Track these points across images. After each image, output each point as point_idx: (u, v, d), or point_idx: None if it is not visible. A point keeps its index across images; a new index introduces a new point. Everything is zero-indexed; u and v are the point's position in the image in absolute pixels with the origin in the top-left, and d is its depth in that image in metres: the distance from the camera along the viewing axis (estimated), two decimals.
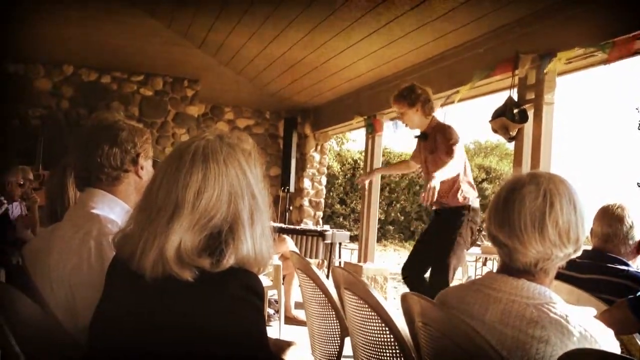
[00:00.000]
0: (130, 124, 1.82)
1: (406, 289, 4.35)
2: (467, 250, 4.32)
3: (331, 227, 7.76)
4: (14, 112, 6.98)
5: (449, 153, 3.84)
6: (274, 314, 5.16)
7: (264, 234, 1.23)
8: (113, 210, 1.72)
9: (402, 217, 15.53)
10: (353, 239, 10.00)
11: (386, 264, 8.45)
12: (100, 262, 1.55)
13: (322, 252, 6.65)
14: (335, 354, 2.41)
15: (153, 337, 1.14)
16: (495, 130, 4.20)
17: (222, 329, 1.12)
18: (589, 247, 2.48)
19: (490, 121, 4.17)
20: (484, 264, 9.02)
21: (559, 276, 1.57)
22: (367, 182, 4.53)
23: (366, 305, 2.00)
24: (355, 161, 15.33)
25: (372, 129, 6.69)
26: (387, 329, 1.87)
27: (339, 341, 2.39)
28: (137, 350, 1.15)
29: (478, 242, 7.95)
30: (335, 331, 2.42)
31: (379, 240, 13.65)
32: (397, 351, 1.84)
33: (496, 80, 4.48)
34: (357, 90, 6.95)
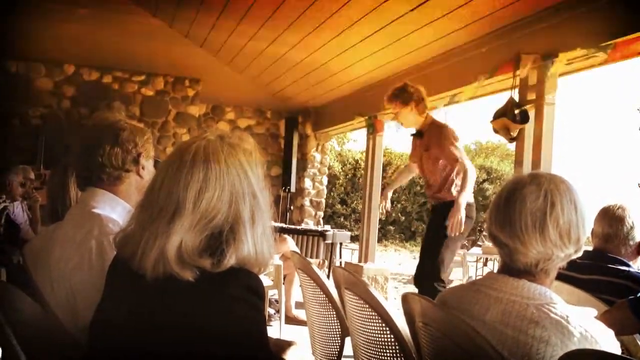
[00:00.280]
0: (131, 123, 1.83)
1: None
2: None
3: (332, 227, 7.77)
4: (14, 111, 6.98)
5: (458, 165, 3.90)
6: (274, 313, 5.16)
7: (264, 234, 1.24)
8: (114, 210, 1.72)
9: (403, 217, 15.53)
10: (354, 239, 10.00)
11: (387, 264, 8.45)
12: (101, 262, 1.55)
13: (323, 252, 6.65)
14: (335, 354, 2.41)
15: (153, 337, 1.14)
16: (496, 131, 4.20)
17: (223, 329, 1.12)
18: (590, 248, 2.48)
19: (491, 122, 4.17)
20: (485, 264, 9.02)
21: (560, 276, 1.57)
22: (388, 204, 4.53)
23: (367, 305, 2.00)
24: (356, 161, 15.34)
25: (373, 129, 6.69)
26: (387, 329, 1.87)
27: (339, 341, 2.39)
28: (137, 350, 1.16)
29: (479, 243, 7.95)
30: (335, 331, 2.42)
31: (379, 240, 13.65)
32: (398, 351, 1.84)
33: (497, 81, 4.47)
34: (358, 91, 6.95)
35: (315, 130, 8.75)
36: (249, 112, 9.08)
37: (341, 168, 15.32)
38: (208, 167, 1.18)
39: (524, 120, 4.01)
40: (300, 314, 5.04)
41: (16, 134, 6.92)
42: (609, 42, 3.41)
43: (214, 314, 1.12)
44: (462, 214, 3.70)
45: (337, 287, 2.36)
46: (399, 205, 15.40)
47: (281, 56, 6.07)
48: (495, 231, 1.42)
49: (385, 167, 14.24)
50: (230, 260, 1.15)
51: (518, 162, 4.19)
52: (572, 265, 1.51)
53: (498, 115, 4.11)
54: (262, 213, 1.23)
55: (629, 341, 1.99)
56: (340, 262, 7.50)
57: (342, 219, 14.84)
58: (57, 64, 7.18)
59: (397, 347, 1.84)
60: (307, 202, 8.96)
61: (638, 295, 1.95)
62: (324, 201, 9.23)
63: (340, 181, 15.14)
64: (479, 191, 15.68)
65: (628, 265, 2.40)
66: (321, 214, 9.08)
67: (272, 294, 5.17)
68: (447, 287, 3.37)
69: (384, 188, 4.85)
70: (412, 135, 4.27)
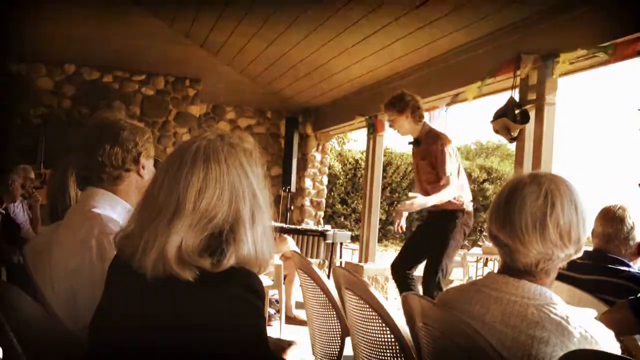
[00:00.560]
0: (131, 123, 1.83)
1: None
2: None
3: (332, 227, 7.76)
4: (15, 111, 6.99)
5: (443, 179, 3.97)
6: (274, 313, 5.16)
7: (264, 234, 1.24)
8: (114, 210, 1.72)
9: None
10: (354, 239, 10.00)
11: (387, 264, 8.44)
12: (101, 262, 1.55)
13: (323, 252, 6.65)
14: (335, 353, 2.41)
15: (153, 336, 1.14)
16: (496, 131, 4.20)
17: (222, 328, 1.12)
18: (590, 248, 2.48)
19: (491, 122, 4.17)
20: (485, 264, 9.02)
21: (560, 277, 1.57)
22: (403, 222, 4.52)
23: (367, 305, 2.00)
24: (357, 161, 15.34)
25: (374, 129, 6.69)
26: (387, 329, 1.87)
27: (339, 341, 2.39)
28: (137, 349, 1.16)
29: (479, 243, 7.95)
30: (336, 331, 2.42)
31: (380, 240, 13.65)
32: (398, 351, 1.84)
33: (498, 81, 4.47)
34: (358, 90, 6.95)
35: (315, 130, 8.75)
36: (250, 111, 9.08)
37: (341, 168, 15.33)
38: (208, 167, 1.18)
39: (524, 121, 4.01)
40: (301, 314, 5.04)
41: (17, 134, 6.92)
42: (609, 43, 3.41)
43: (214, 314, 1.12)
44: (407, 212, 3.99)
45: (337, 287, 2.36)
46: (399, 205, 15.41)
47: (281, 56, 6.07)
48: (496, 231, 1.42)
49: (385, 167, 14.26)
50: (230, 260, 1.15)
51: (518, 162, 4.20)
52: (572, 265, 1.51)
53: (498, 115, 4.11)
54: (262, 213, 1.23)
55: (629, 341, 1.99)
56: (341, 262, 7.50)
57: (342, 219, 14.84)
58: (57, 63, 7.19)
59: (397, 347, 1.84)
60: (307, 202, 8.96)
61: (638, 296, 1.95)
62: (324, 201, 9.23)
63: (341, 181, 15.14)
64: (479, 191, 15.68)
65: (628, 266, 2.40)
66: (321, 213, 9.08)
67: (272, 294, 5.17)
68: (448, 287, 3.39)
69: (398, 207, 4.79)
70: (410, 143, 4.30)
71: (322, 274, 2.54)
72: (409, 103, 4.05)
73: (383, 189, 12.25)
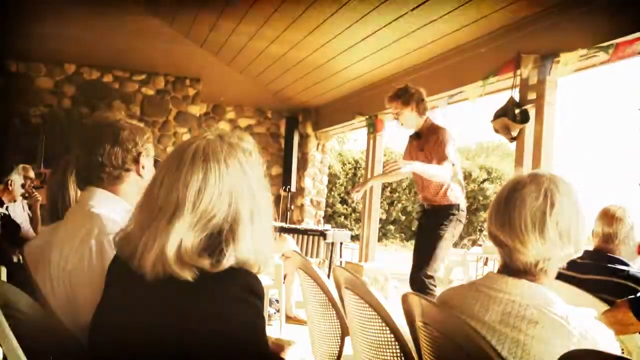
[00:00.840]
0: (131, 123, 1.82)
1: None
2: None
3: (332, 227, 7.77)
4: (15, 110, 6.99)
5: (441, 161, 3.92)
6: (274, 313, 5.16)
7: (264, 234, 1.24)
8: (114, 210, 1.72)
9: (404, 217, 15.55)
10: (354, 238, 10.01)
11: (387, 264, 8.45)
12: (101, 261, 1.56)
13: (323, 251, 6.65)
14: (335, 353, 2.41)
15: (153, 336, 1.14)
16: (496, 131, 4.20)
17: (222, 329, 1.12)
18: (590, 248, 2.48)
19: (491, 121, 4.18)
20: (485, 263, 9.03)
21: (560, 276, 1.57)
22: (361, 193, 4.61)
23: (367, 305, 2.00)
24: (357, 161, 15.35)
25: (374, 129, 6.69)
26: (387, 328, 1.87)
27: (339, 341, 2.39)
28: (137, 349, 1.16)
29: (479, 242, 7.96)
30: (335, 331, 2.42)
31: (380, 239, 13.66)
32: (398, 351, 1.84)
33: (498, 81, 4.48)
34: (358, 90, 6.95)
35: (315, 130, 8.75)
36: (250, 111, 9.08)
37: (341, 167, 15.34)
38: (207, 167, 1.18)
39: (524, 120, 4.01)
40: (300, 314, 5.04)
41: (17, 133, 6.92)
42: (609, 42, 3.41)
43: (213, 314, 1.12)
44: (401, 172, 3.96)
45: (337, 286, 2.36)
46: (399, 205, 15.41)
47: (281, 56, 6.07)
48: (495, 231, 1.42)
49: (385, 166, 14.25)
50: (229, 260, 1.15)
51: (518, 161, 4.20)
52: (572, 265, 1.51)
53: (498, 115, 4.11)
54: (261, 212, 1.23)
55: (629, 341, 1.99)
56: (341, 262, 7.50)
57: (342, 219, 14.86)
58: (57, 63, 7.19)
59: (397, 347, 1.84)
60: (307, 202, 8.96)
61: (638, 295, 1.95)
62: (324, 201, 9.24)
63: (341, 180, 15.15)
64: (479, 191, 15.69)
65: (628, 265, 2.40)
66: (321, 213, 9.09)
67: (272, 293, 5.17)
68: (447, 287, 3.40)
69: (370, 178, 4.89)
70: (411, 136, 4.30)
71: (322, 274, 2.54)
72: (414, 95, 4.07)
73: (383, 189, 12.26)
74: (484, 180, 16.27)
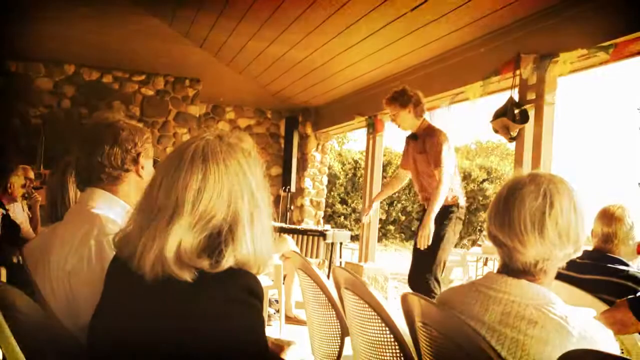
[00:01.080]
0: (130, 123, 1.83)
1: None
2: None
3: (332, 227, 7.76)
4: (15, 111, 6.99)
5: (436, 172, 4.01)
6: (274, 313, 5.17)
7: (264, 234, 1.23)
8: (113, 210, 1.72)
9: (403, 217, 15.54)
10: (354, 238, 10.02)
11: (387, 264, 8.45)
12: (100, 262, 1.56)
13: (323, 251, 6.65)
14: (335, 354, 2.41)
15: (152, 337, 1.14)
16: (496, 131, 4.20)
17: (221, 329, 1.12)
18: (590, 248, 2.48)
19: (491, 121, 4.18)
20: (485, 264, 9.03)
21: (559, 276, 1.57)
22: (371, 213, 4.82)
23: (366, 305, 2.00)
24: (356, 161, 15.36)
25: (373, 129, 6.69)
26: (387, 329, 1.87)
27: (339, 341, 2.39)
28: (136, 350, 1.16)
29: (479, 242, 7.96)
30: (335, 331, 2.42)
31: (379, 240, 13.66)
32: (397, 351, 1.84)
33: (497, 81, 4.48)
34: (358, 90, 6.95)
35: (315, 130, 8.75)
36: (249, 111, 9.08)
37: (341, 168, 15.34)
38: (207, 167, 1.18)
39: (523, 120, 4.01)
40: (300, 314, 5.04)
41: (16, 134, 6.92)
42: (609, 42, 3.41)
43: (212, 315, 1.12)
44: (430, 228, 3.93)
45: (337, 287, 2.36)
46: (399, 205, 15.42)
47: (281, 56, 6.07)
48: (495, 231, 1.42)
49: (385, 166, 14.26)
50: (228, 261, 1.15)
51: (518, 161, 4.20)
52: (571, 264, 1.51)
53: (498, 114, 4.11)
54: (261, 213, 1.23)
55: (628, 341, 1.99)
56: (341, 262, 7.50)
57: (342, 219, 14.86)
58: (57, 63, 7.19)
59: (396, 347, 1.84)
60: (307, 202, 8.96)
61: (637, 295, 1.95)
62: (324, 201, 9.24)
63: (341, 181, 15.15)
64: (479, 191, 15.69)
65: (627, 265, 2.40)
66: (321, 213, 9.09)
67: (272, 293, 5.17)
68: (447, 287, 3.40)
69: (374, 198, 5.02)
70: (408, 137, 4.33)
71: (322, 274, 2.54)
72: (412, 97, 4.11)
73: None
74: (484, 181, 16.27)
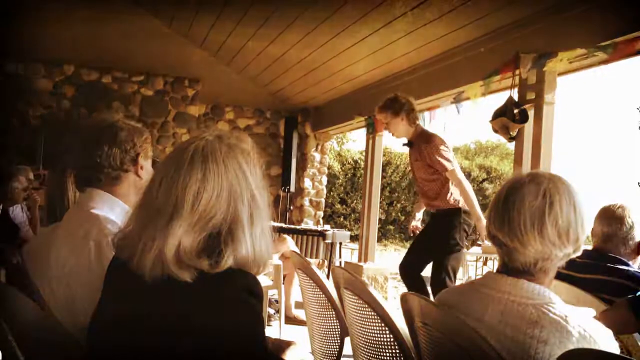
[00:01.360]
0: (129, 123, 1.83)
1: (406, 289, 4.38)
2: (466, 250, 4.46)
3: (332, 227, 7.76)
4: (14, 111, 6.98)
5: (447, 174, 4.05)
6: (274, 313, 5.16)
7: (263, 235, 1.23)
8: (113, 211, 1.72)
9: (403, 217, 15.52)
10: (353, 238, 10.01)
11: (386, 264, 8.45)
12: (100, 262, 1.55)
13: (323, 251, 6.64)
14: (335, 354, 2.41)
15: (151, 337, 1.14)
16: (495, 130, 4.19)
17: (220, 330, 1.12)
18: (589, 247, 2.48)
19: (490, 121, 4.17)
20: (485, 263, 9.01)
21: (559, 276, 1.57)
22: (415, 223, 4.79)
23: (366, 305, 1.99)
24: (356, 161, 15.34)
25: (373, 129, 6.68)
26: (387, 328, 1.87)
27: (338, 341, 2.39)
28: (135, 350, 1.15)
29: (478, 242, 7.95)
30: (335, 331, 2.42)
31: (379, 240, 13.65)
32: (397, 351, 1.84)
33: (497, 80, 4.48)
34: (357, 90, 6.95)
35: (314, 130, 8.75)
36: (249, 112, 9.08)
37: (341, 168, 15.32)
38: (206, 168, 1.18)
39: (523, 120, 4.01)
40: (300, 314, 5.04)
41: (16, 134, 6.91)
42: (609, 42, 3.40)
43: (211, 315, 1.12)
44: (483, 220, 3.91)
45: (337, 286, 2.36)
46: (398, 205, 15.41)
47: (281, 56, 6.07)
48: (494, 230, 1.42)
49: (384, 166, 14.26)
50: (228, 261, 1.15)
51: (517, 161, 4.20)
52: (571, 264, 1.51)
53: (497, 114, 4.11)
54: (260, 213, 1.23)
55: (628, 341, 1.99)
56: (340, 262, 7.50)
57: (341, 219, 14.84)
58: (56, 64, 7.18)
59: (396, 347, 1.84)
60: (306, 202, 8.95)
61: (637, 295, 1.95)
62: (323, 201, 9.23)
63: (340, 181, 15.14)
64: (478, 190, 15.68)
65: (628, 265, 2.40)
66: (321, 213, 9.08)
67: (272, 294, 5.17)
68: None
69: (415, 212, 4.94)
70: (404, 145, 4.35)
71: (322, 274, 2.54)
72: (404, 105, 4.11)
73: (382, 189, 12.26)
74: (483, 180, 16.26)
